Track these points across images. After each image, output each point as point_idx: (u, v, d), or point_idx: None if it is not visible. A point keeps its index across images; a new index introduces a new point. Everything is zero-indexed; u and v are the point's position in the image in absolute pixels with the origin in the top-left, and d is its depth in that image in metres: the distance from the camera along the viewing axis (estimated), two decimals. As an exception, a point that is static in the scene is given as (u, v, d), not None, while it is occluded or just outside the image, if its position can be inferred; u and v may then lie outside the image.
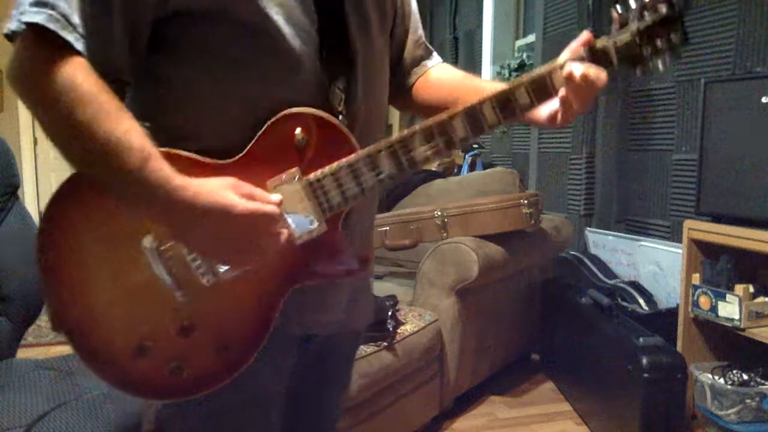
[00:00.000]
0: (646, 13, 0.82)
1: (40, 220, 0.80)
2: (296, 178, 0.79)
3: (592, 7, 2.93)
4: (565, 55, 0.85)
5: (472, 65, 4.44)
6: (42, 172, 6.29)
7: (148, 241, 0.78)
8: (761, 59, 2.19)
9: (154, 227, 0.78)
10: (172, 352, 0.81)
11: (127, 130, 0.72)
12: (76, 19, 0.71)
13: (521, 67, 3.85)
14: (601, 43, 0.83)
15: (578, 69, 0.81)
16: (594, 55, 0.83)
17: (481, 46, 4.30)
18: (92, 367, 0.82)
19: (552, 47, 3.39)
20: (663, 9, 0.82)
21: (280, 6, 0.78)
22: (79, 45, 0.71)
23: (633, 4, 0.83)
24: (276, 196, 0.78)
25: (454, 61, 4.62)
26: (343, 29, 0.85)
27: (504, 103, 0.82)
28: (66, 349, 0.96)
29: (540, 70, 0.83)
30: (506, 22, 4.22)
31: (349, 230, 0.87)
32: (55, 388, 1.39)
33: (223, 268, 0.79)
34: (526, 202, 2.33)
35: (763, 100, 1.86)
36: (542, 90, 0.83)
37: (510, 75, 3.89)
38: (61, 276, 0.81)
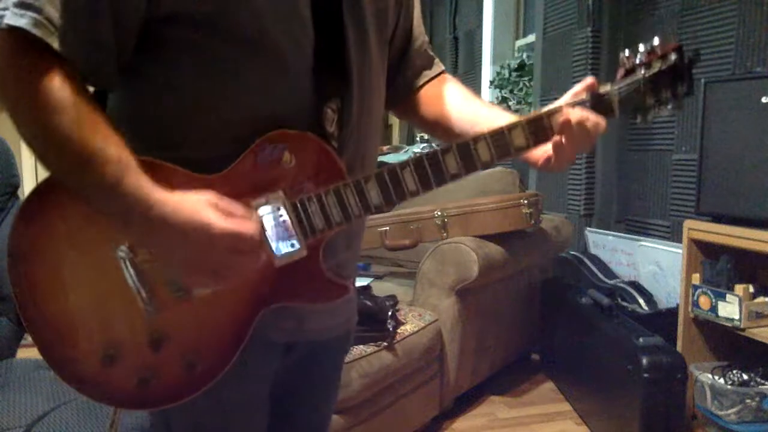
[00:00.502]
0: (654, 61, 0.80)
1: (14, 218, 0.78)
2: (280, 200, 0.78)
3: (592, 7, 2.93)
4: (566, 98, 0.83)
5: (472, 65, 4.44)
6: (42, 172, 6.28)
7: (122, 250, 0.76)
8: (761, 59, 2.19)
9: (129, 236, 0.76)
10: (141, 363, 0.79)
11: (104, 140, 0.69)
12: (62, 21, 0.67)
13: (521, 67, 3.86)
14: (605, 89, 0.81)
15: (575, 115, 0.79)
16: (596, 101, 0.81)
17: (481, 46, 4.29)
18: (59, 372, 0.80)
19: (552, 47, 3.39)
20: (672, 58, 0.80)
21: (279, 21, 0.76)
22: (65, 50, 0.68)
23: (642, 50, 0.81)
24: (256, 217, 0.76)
25: (454, 61, 4.62)
26: (341, 47, 0.82)
27: (499, 142, 0.80)
28: (66, 349, 0.95)
29: (539, 111, 0.81)
30: (506, 22, 4.22)
31: (330, 257, 0.84)
32: (55, 388, 1.39)
33: (197, 288, 0.78)
34: (526, 202, 2.33)
35: (763, 100, 1.86)
36: (539, 132, 0.80)
37: (510, 75, 3.89)
38: (32, 279, 0.78)
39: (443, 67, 1.05)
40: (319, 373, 1.04)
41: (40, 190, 0.77)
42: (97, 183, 0.70)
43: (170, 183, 0.73)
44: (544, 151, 0.85)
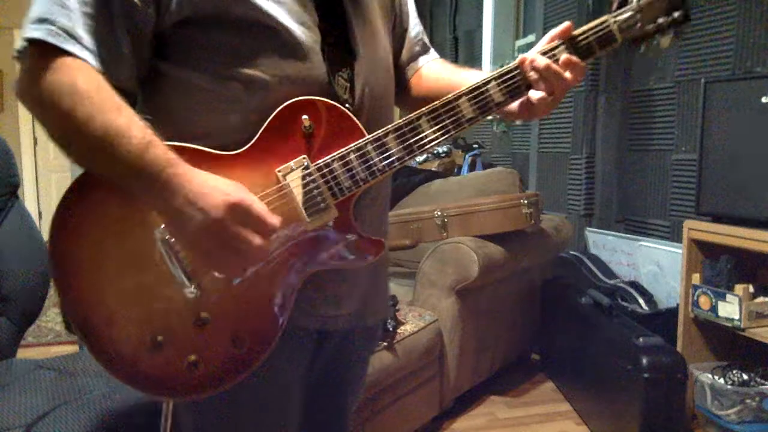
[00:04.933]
0: None
1: (52, 221, 0.79)
2: (305, 165, 0.80)
3: (592, 7, 2.93)
4: (541, 44, 0.88)
5: (472, 65, 4.44)
6: (42, 172, 6.29)
7: (159, 233, 0.77)
8: (761, 59, 2.19)
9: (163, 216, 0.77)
10: (188, 346, 0.79)
11: (126, 120, 0.73)
12: (78, 32, 0.73)
13: (521, 67, 3.85)
14: (602, 18, 0.86)
15: (542, 61, 0.86)
16: (574, 45, 0.86)
17: (481, 46, 4.29)
18: (108, 367, 0.80)
19: (552, 47, 3.39)
20: None
21: (280, 4, 0.80)
22: (84, 54, 0.73)
23: None
24: (275, 219, 0.75)
25: (454, 61, 4.58)
26: (344, 24, 0.86)
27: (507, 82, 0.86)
28: (66, 349, 0.96)
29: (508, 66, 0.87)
30: (506, 22, 4.22)
31: (360, 215, 0.87)
32: (55, 388, 1.39)
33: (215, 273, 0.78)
34: (526, 202, 2.33)
35: (763, 100, 1.86)
36: (513, 86, 0.88)
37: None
38: (74, 276, 0.79)
39: (437, 55, 1.10)
40: (345, 370, 1.06)
41: (73, 190, 0.79)
42: (122, 158, 0.72)
43: (198, 164, 0.75)
44: (521, 102, 0.90)
